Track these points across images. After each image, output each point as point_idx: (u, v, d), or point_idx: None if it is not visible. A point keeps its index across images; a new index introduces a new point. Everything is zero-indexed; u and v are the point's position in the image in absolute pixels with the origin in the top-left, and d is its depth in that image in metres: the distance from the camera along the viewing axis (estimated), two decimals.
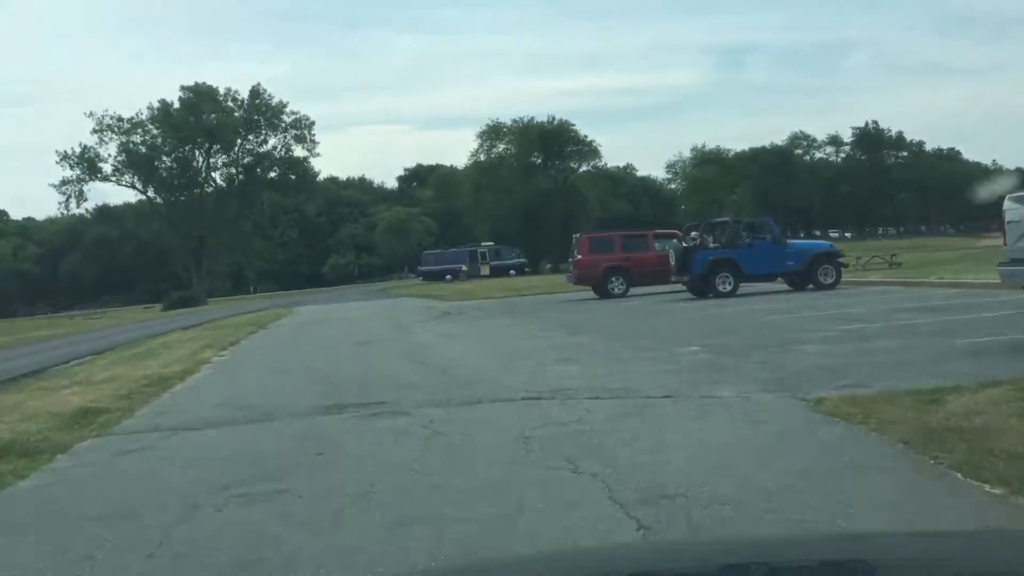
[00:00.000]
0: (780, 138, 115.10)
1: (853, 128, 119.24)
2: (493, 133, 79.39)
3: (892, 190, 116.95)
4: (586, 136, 78.40)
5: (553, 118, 78.11)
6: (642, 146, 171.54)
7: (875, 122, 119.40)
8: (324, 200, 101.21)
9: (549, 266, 77.45)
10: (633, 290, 26.15)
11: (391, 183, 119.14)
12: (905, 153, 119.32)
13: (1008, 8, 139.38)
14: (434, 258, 71.31)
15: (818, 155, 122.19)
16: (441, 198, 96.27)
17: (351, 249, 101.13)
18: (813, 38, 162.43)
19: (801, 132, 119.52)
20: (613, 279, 25.85)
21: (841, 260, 22.68)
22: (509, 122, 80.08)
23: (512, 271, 70.85)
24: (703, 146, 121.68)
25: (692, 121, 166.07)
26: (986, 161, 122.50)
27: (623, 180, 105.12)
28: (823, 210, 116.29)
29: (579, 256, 26.35)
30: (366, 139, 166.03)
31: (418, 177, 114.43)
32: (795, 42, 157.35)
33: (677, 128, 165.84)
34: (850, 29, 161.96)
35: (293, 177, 77.13)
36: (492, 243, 74.51)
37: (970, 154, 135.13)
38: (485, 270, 71.41)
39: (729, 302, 20.28)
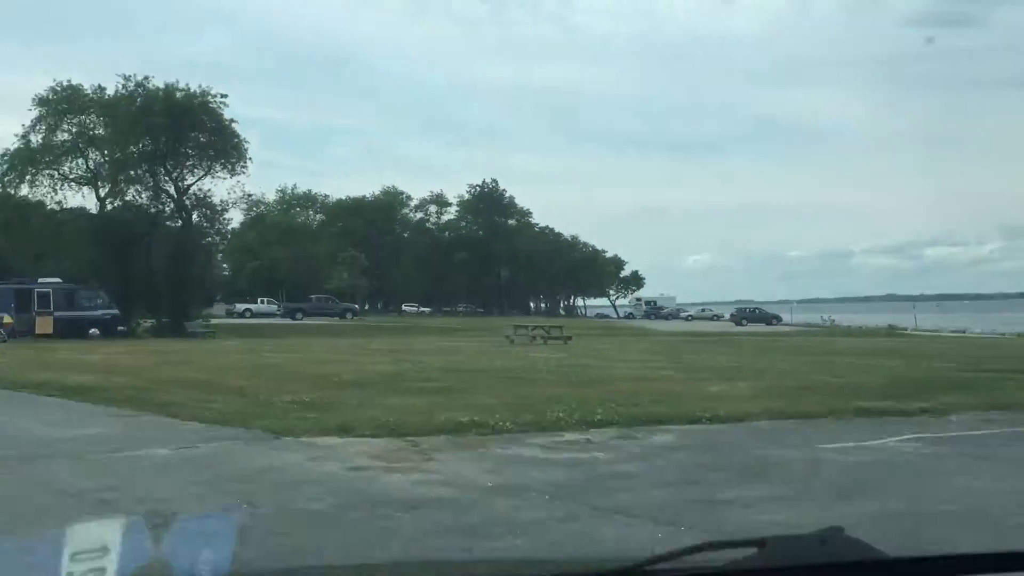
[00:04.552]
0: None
1: (470, 185, 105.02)
2: (66, 101, 47.67)
3: (507, 259, 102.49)
4: (231, 121, 48.40)
5: (176, 83, 46.98)
6: None
7: (495, 180, 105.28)
8: None
9: (150, 323, 47.85)
10: None
11: None
12: (514, 221, 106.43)
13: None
14: None
15: (419, 215, 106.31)
16: None
17: None
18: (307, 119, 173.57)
19: (394, 187, 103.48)
20: None
21: None
22: (89, 88, 48.58)
23: (94, 330, 40.92)
24: (294, 188, 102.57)
25: None
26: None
27: None
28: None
29: None
30: None
31: None
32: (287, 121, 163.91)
33: None
34: (339, 119, 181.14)
35: None
36: (58, 280, 43.46)
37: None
38: (45, 326, 40.48)
39: None
